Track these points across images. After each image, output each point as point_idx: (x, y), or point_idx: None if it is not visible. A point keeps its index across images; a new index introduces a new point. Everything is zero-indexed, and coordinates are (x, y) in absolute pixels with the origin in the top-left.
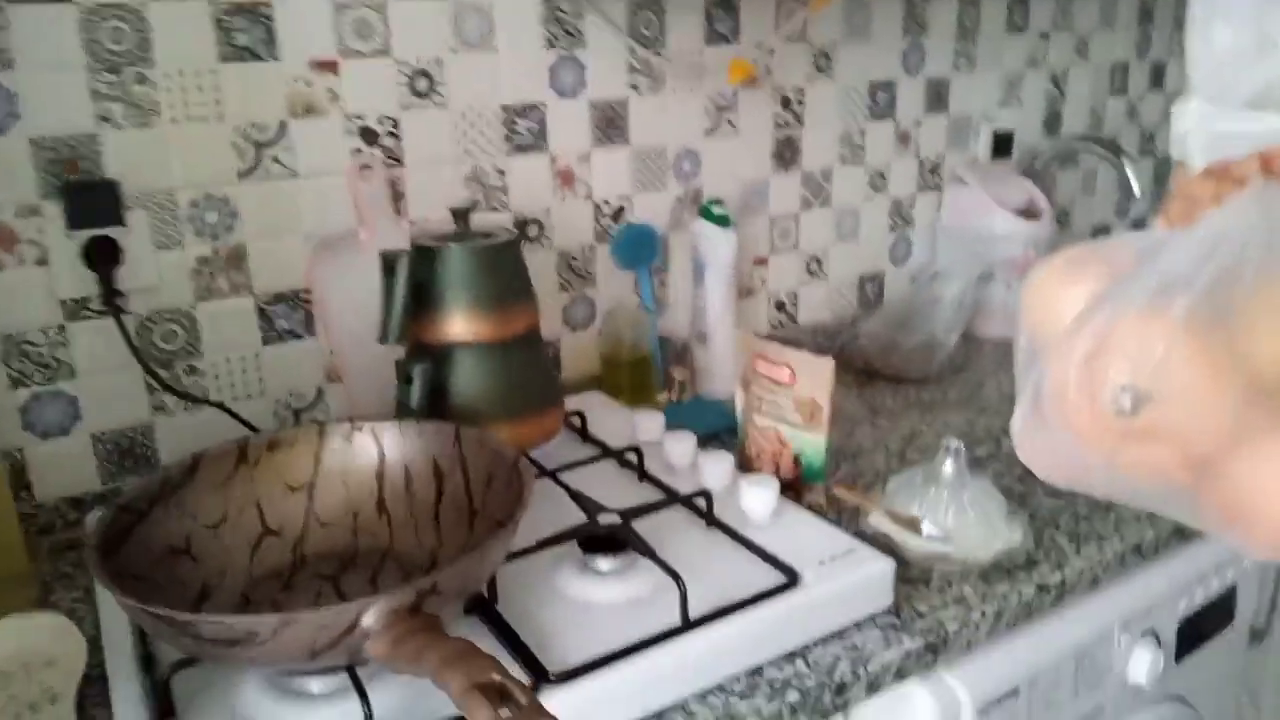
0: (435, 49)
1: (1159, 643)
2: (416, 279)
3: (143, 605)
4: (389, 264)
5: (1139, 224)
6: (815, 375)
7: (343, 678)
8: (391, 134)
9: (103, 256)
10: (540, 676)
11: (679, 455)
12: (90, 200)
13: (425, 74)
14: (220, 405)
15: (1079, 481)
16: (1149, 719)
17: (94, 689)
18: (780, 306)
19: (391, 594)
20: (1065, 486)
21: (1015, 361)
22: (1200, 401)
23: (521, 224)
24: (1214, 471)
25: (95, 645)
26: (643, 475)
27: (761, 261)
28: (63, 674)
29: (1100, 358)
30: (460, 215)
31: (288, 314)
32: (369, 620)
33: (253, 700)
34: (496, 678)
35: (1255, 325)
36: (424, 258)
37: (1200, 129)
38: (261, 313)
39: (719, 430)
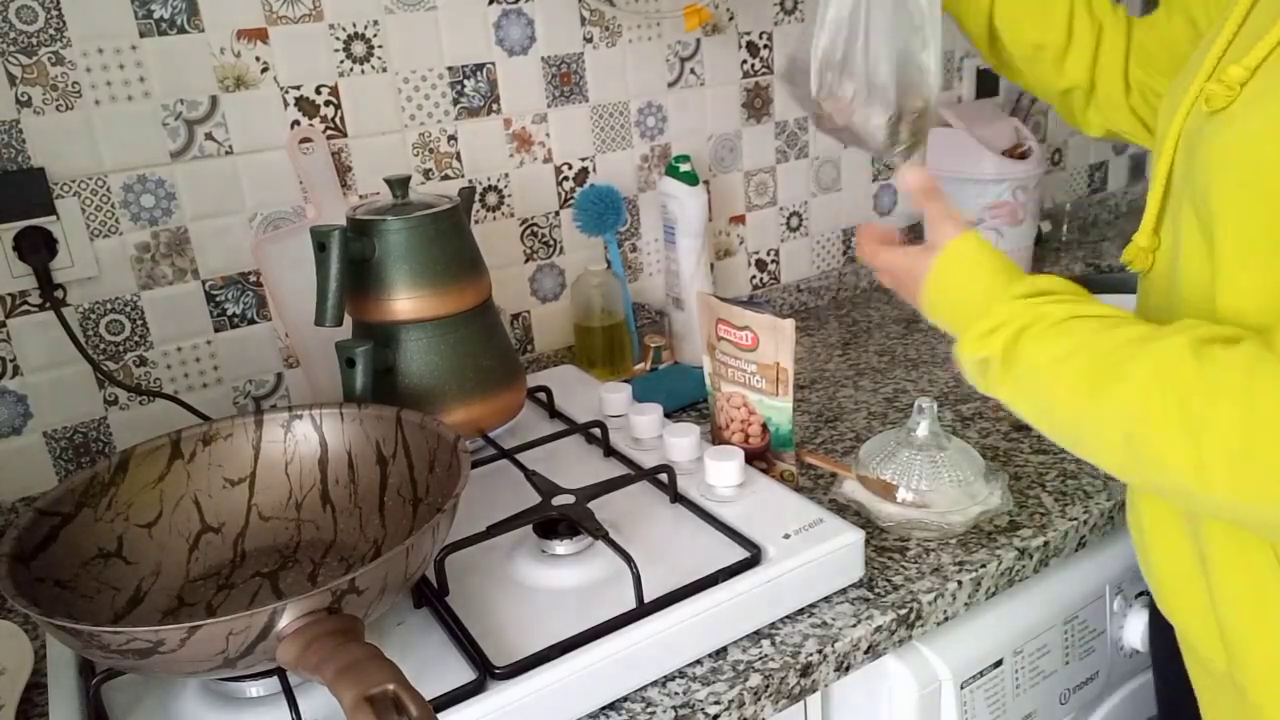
0: (370, 10)
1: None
2: (353, 256)
3: (47, 617)
4: (321, 242)
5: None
6: (778, 338)
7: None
8: (331, 103)
9: (35, 248)
10: (485, 671)
11: (645, 429)
12: (17, 190)
13: (362, 37)
14: (170, 397)
15: None
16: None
17: (39, 696)
18: (762, 266)
19: (304, 597)
20: None
21: None
22: None
23: (474, 192)
24: None
25: (42, 654)
26: (608, 451)
27: (739, 219)
28: (9, 682)
29: None
30: (398, 185)
31: (238, 298)
32: (283, 624)
33: (190, 706)
34: (390, 688)
35: None
36: (360, 233)
37: None
38: (210, 298)
39: (698, 400)
